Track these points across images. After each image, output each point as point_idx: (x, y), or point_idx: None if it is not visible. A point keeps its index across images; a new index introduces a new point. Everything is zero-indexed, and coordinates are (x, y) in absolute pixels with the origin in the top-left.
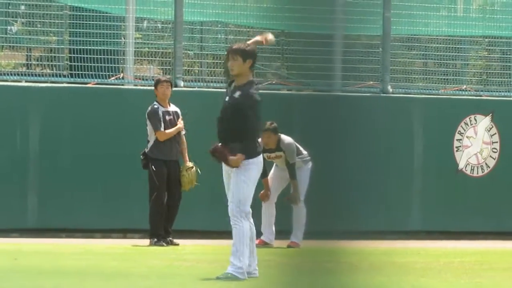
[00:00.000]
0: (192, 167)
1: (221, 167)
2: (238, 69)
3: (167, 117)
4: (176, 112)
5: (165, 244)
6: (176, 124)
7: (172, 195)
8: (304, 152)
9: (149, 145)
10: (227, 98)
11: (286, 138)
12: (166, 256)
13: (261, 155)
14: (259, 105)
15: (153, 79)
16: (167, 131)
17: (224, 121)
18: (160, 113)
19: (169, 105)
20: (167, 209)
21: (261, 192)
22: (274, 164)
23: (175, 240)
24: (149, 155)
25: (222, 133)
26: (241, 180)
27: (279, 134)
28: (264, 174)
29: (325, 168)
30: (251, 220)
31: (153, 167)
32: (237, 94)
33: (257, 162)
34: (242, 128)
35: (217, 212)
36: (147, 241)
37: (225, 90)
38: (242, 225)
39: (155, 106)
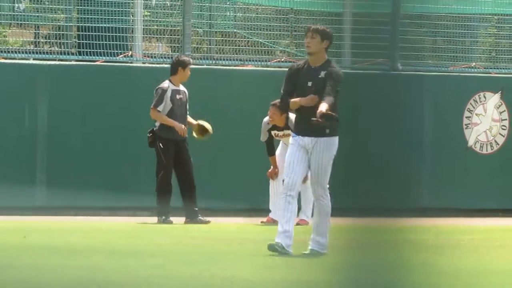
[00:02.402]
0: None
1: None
2: (315, 47)
3: (178, 96)
4: (185, 92)
5: (173, 222)
6: (185, 104)
7: (185, 175)
8: None
9: (158, 123)
10: (309, 83)
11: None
12: (175, 234)
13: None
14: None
15: (164, 57)
16: (163, 119)
17: (313, 107)
18: (169, 92)
19: (179, 85)
20: (185, 189)
21: (269, 170)
22: (281, 142)
23: (206, 218)
24: (157, 134)
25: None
26: (327, 159)
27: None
28: (272, 151)
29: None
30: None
31: (160, 145)
32: (322, 73)
33: (337, 142)
34: (333, 105)
35: (223, 191)
36: (156, 219)
37: (290, 79)
38: (328, 203)
39: (166, 85)
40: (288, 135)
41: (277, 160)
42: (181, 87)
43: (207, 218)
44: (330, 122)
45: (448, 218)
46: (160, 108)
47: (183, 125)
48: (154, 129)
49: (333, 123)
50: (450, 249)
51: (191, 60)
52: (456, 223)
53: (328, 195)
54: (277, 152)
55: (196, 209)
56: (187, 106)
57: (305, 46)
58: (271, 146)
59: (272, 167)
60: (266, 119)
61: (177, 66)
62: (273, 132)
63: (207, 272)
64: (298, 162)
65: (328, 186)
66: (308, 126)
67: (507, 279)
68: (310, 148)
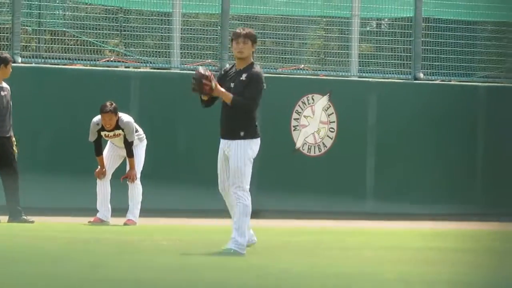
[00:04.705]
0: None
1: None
2: (247, 53)
3: (2, 93)
4: (7, 88)
5: (1, 221)
6: (8, 101)
7: (9, 173)
8: (140, 129)
9: None
10: (232, 85)
11: (126, 117)
12: (1, 232)
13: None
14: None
15: None
16: None
17: (233, 108)
18: None
19: (1, 82)
20: (9, 188)
21: (96, 169)
22: (109, 141)
23: (29, 217)
24: None
25: (232, 121)
26: (243, 161)
27: (118, 113)
28: (100, 151)
29: (166, 146)
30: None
31: None
32: (243, 76)
33: (257, 143)
34: (252, 108)
35: (49, 190)
36: None
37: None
38: (247, 203)
39: None
40: (119, 135)
41: (105, 160)
42: (4, 84)
43: (31, 218)
44: (198, 84)
45: (276, 220)
46: None
47: None
48: None
49: (253, 127)
50: (277, 251)
51: (11, 57)
52: (284, 225)
53: (248, 195)
54: (105, 152)
55: (19, 208)
56: (11, 103)
57: (235, 51)
58: (99, 146)
59: (99, 167)
60: (96, 119)
61: (2, 64)
62: (103, 133)
63: (32, 270)
64: (223, 165)
65: (248, 187)
66: (224, 129)
67: (335, 280)
68: (226, 150)
